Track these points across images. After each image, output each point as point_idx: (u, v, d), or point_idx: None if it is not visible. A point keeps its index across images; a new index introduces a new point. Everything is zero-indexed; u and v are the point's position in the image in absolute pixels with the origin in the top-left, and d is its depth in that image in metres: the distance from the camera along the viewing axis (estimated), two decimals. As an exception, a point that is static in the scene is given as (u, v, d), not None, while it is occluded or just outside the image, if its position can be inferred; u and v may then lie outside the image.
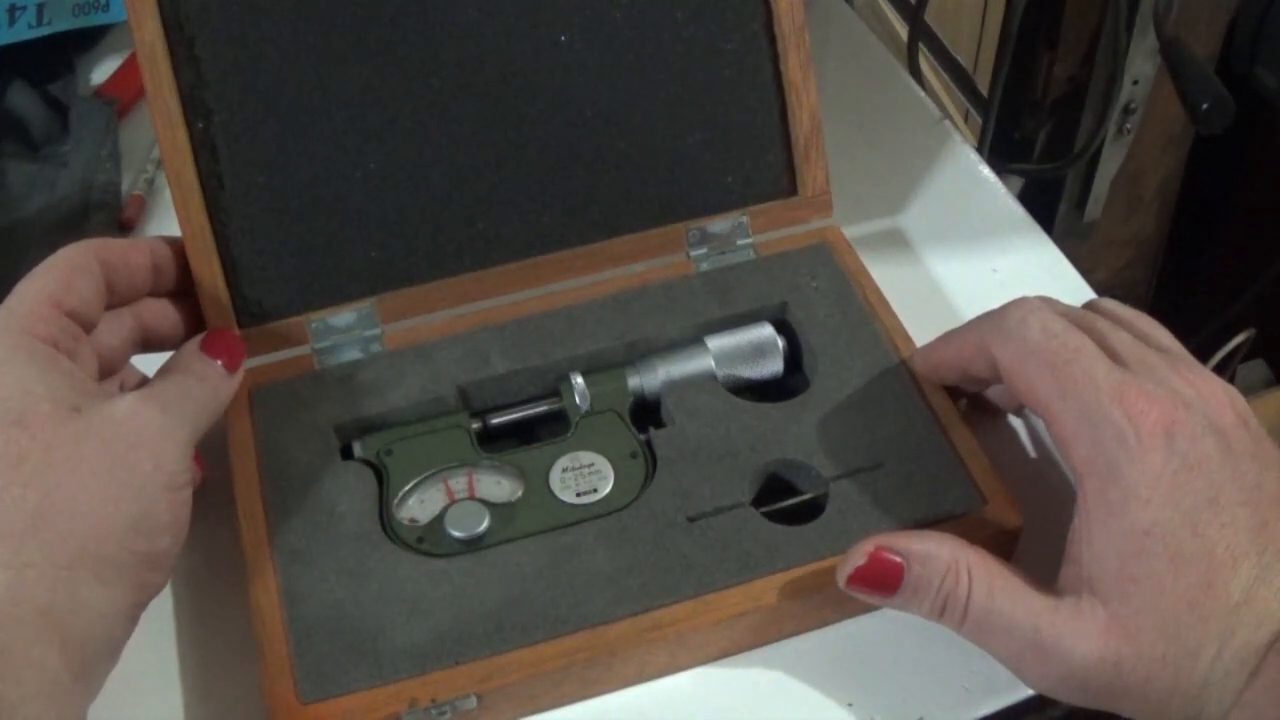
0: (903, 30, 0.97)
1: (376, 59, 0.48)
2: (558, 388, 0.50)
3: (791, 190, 0.54)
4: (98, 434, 0.39)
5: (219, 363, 0.45)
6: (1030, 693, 0.43)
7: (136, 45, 0.46)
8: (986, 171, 0.63)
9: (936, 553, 0.40)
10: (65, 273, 0.42)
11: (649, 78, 0.51)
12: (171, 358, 0.45)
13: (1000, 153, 0.88)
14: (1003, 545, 0.44)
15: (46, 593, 0.37)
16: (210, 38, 0.46)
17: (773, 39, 0.51)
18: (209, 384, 0.44)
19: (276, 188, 0.48)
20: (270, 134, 0.48)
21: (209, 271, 0.48)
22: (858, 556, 0.41)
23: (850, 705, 0.43)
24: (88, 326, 0.43)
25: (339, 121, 0.48)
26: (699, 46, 0.51)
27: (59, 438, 0.39)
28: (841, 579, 0.41)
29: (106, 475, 0.39)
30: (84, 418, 0.39)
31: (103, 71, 0.70)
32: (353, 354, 0.50)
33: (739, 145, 0.52)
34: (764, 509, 0.45)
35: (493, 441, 0.49)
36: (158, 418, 0.41)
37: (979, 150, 0.66)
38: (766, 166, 0.53)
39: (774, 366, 0.51)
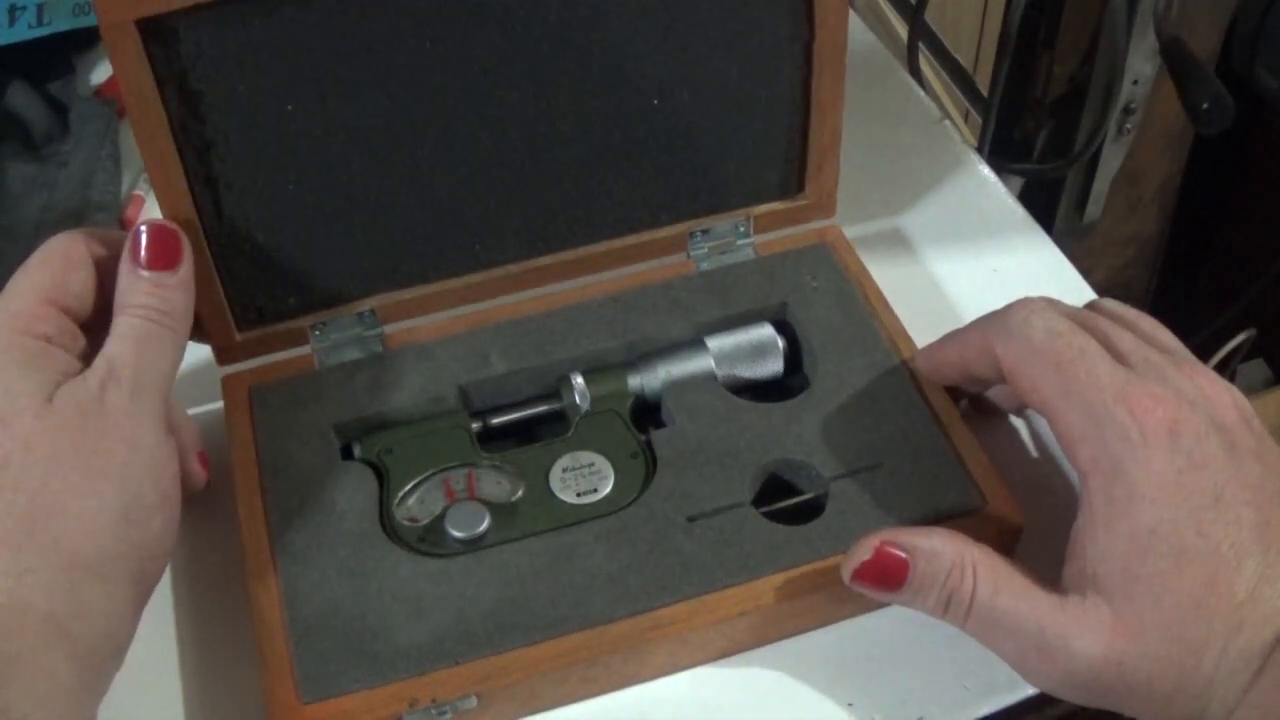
0: (903, 30, 0.97)
1: (377, 62, 0.47)
2: (558, 388, 0.50)
3: (795, 190, 0.54)
4: (70, 425, 0.38)
5: (160, 274, 0.42)
6: (1030, 692, 0.43)
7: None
8: (986, 171, 0.63)
9: (941, 549, 0.40)
10: (59, 269, 0.42)
11: (670, 83, 0.49)
12: (115, 294, 0.42)
13: (1000, 153, 0.88)
14: (1003, 544, 0.44)
15: (48, 598, 0.37)
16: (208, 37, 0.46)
17: (809, 58, 0.50)
18: (162, 316, 0.41)
19: (276, 191, 0.48)
20: (270, 138, 0.47)
21: (206, 274, 0.48)
22: (863, 551, 0.41)
23: (850, 705, 0.43)
24: (81, 319, 0.43)
25: (339, 125, 0.47)
26: (729, 61, 0.49)
27: (36, 434, 0.38)
28: (846, 574, 0.41)
29: (85, 469, 0.38)
30: (54, 409, 0.38)
31: (103, 71, 0.70)
32: (353, 354, 0.50)
33: (751, 151, 0.52)
34: (764, 509, 0.45)
35: (493, 441, 0.49)
36: (121, 396, 0.39)
37: (979, 150, 0.65)
38: (774, 170, 0.53)
39: (774, 366, 0.51)
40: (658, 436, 0.48)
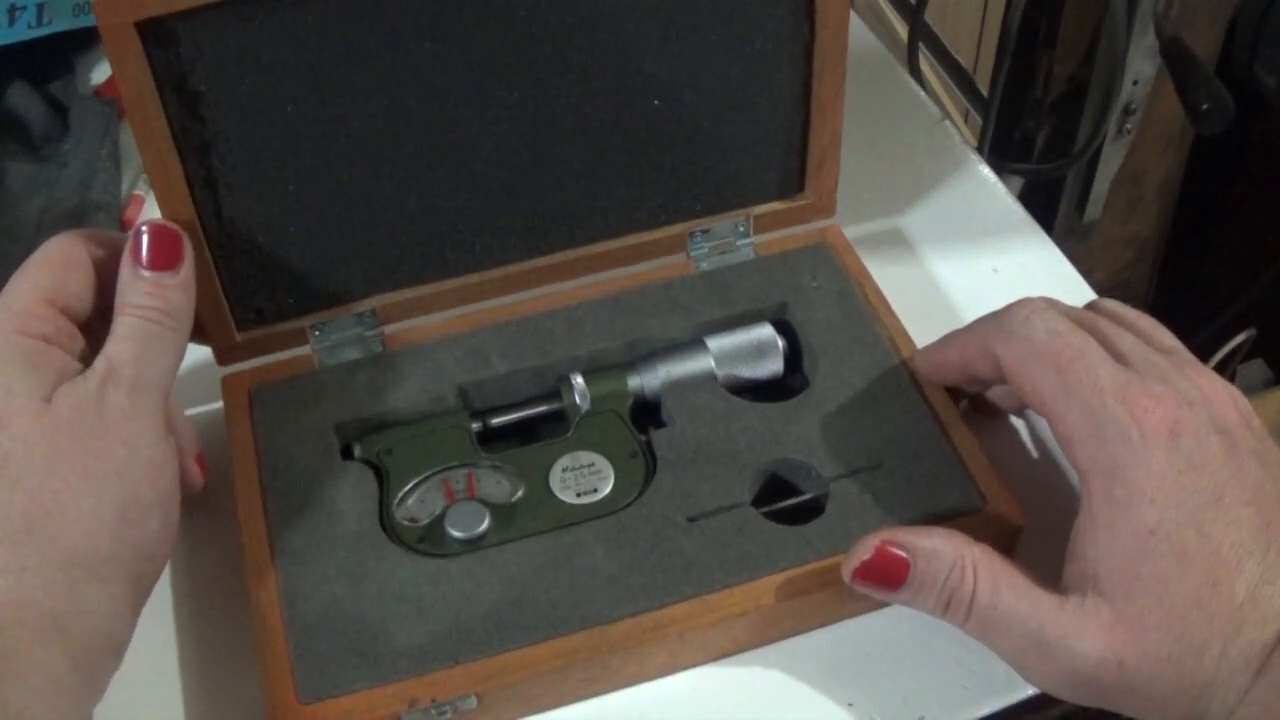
0: (903, 30, 0.97)
1: (377, 62, 0.47)
2: (558, 388, 0.50)
3: (795, 190, 0.54)
4: (69, 425, 0.38)
5: (161, 274, 0.41)
6: (1030, 692, 0.43)
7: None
8: (986, 171, 0.63)
9: (942, 549, 0.40)
10: (59, 269, 0.42)
11: (671, 83, 0.49)
12: (116, 294, 0.42)
13: (1000, 153, 0.88)
14: (1003, 544, 0.44)
15: (47, 595, 0.37)
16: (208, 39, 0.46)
17: (810, 58, 0.50)
18: (162, 316, 0.41)
19: (276, 191, 0.47)
20: (270, 138, 0.47)
21: (206, 274, 0.48)
22: (864, 551, 0.41)
23: (850, 705, 0.43)
24: (80, 320, 0.43)
25: (339, 125, 0.47)
26: (729, 61, 0.49)
27: (35, 434, 0.38)
28: (847, 573, 0.41)
29: (84, 469, 0.38)
30: (53, 410, 0.39)
31: (103, 71, 0.70)
32: (353, 354, 0.50)
33: (751, 151, 0.52)
34: (764, 509, 0.45)
35: (493, 441, 0.49)
36: (121, 396, 0.39)
37: (979, 150, 0.65)
38: (774, 170, 0.53)
39: (774, 366, 0.51)
40: (658, 436, 0.48)
